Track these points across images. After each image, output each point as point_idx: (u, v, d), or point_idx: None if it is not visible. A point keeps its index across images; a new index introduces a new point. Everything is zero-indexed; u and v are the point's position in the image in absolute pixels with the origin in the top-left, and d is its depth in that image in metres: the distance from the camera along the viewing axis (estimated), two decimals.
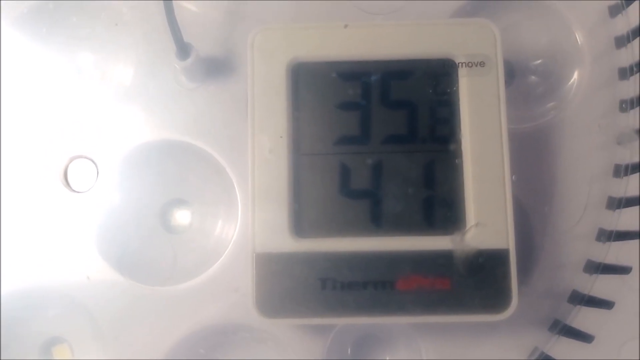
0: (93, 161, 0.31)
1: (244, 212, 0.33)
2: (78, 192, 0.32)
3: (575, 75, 0.35)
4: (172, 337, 0.33)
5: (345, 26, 0.30)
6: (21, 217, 0.34)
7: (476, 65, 0.30)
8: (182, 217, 0.35)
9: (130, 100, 0.34)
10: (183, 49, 0.32)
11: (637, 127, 0.33)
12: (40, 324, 0.34)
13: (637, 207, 0.33)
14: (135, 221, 0.35)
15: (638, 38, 0.34)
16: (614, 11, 0.35)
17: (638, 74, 0.34)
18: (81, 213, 0.34)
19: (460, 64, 0.30)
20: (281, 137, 0.30)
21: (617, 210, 0.33)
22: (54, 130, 0.34)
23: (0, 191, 0.34)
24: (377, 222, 0.30)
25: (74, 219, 0.34)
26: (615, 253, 0.33)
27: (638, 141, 0.33)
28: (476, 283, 0.29)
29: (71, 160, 0.31)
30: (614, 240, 0.33)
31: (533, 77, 0.36)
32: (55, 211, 0.34)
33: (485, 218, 0.29)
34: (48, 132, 0.34)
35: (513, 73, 0.35)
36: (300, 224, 0.30)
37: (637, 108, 0.34)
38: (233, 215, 0.34)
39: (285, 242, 0.29)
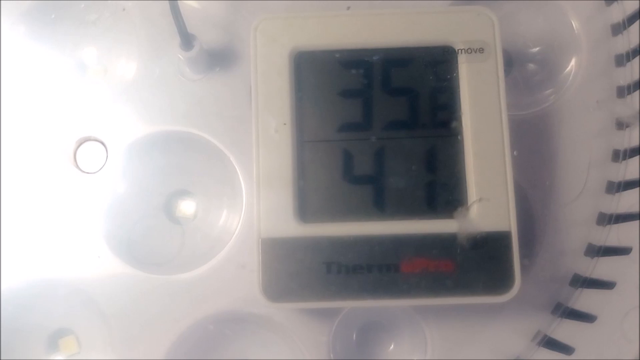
0: (103, 143, 0.32)
1: (248, 202, 0.34)
2: (87, 172, 0.32)
3: (573, 62, 0.36)
4: (178, 326, 0.33)
5: (348, 8, 0.30)
6: (30, 207, 0.34)
7: (475, 52, 0.31)
8: (186, 207, 0.36)
9: (135, 92, 0.35)
10: (187, 40, 0.33)
11: (637, 109, 0.34)
12: (46, 316, 0.35)
13: (636, 189, 0.33)
14: (140, 211, 0.35)
15: (634, 25, 0.34)
16: None
17: (634, 60, 0.34)
18: (87, 203, 0.34)
19: (459, 51, 0.31)
20: (285, 124, 0.30)
21: (617, 194, 0.34)
22: (60, 121, 0.35)
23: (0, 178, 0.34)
24: (381, 206, 0.30)
25: (80, 209, 0.34)
26: (616, 234, 0.33)
27: (638, 125, 0.34)
28: (479, 265, 0.29)
29: (80, 142, 0.31)
30: (614, 223, 0.33)
31: (531, 65, 0.36)
32: (61, 201, 0.34)
33: (487, 201, 0.30)
34: (53, 122, 0.35)
35: (511, 61, 0.36)
36: (305, 209, 0.30)
37: (635, 93, 0.34)
38: (237, 205, 0.34)
39: (290, 227, 0.30)
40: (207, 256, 0.34)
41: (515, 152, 0.30)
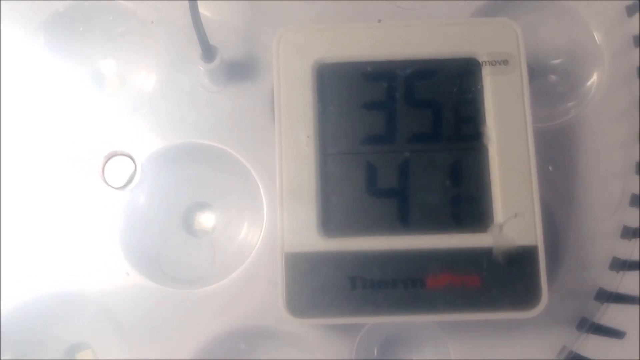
0: (132, 158, 0.31)
1: (269, 215, 0.33)
2: (114, 187, 0.32)
3: (595, 74, 0.36)
4: (196, 340, 0.33)
5: (379, 21, 0.30)
6: (52, 220, 0.34)
7: (500, 64, 0.31)
8: (206, 220, 0.35)
9: (155, 104, 0.34)
10: (208, 52, 0.33)
11: None
12: (64, 329, 0.34)
13: None
14: (160, 225, 0.35)
15: None
16: (631, 11, 0.35)
17: None
18: (108, 216, 0.34)
19: (483, 63, 0.31)
20: (308, 136, 0.30)
21: None
22: (80, 133, 0.34)
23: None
24: (405, 220, 0.30)
25: (100, 222, 0.33)
26: None
27: None
28: (506, 280, 0.29)
29: (109, 157, 0.31)
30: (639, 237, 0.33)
31: (553, 77, 0.36)
32: (83, 215, 0.34)
33: (516, 215, 0.29)
34: (75, 134, 0.34)
35: (533, 73, 0.35)
36: (328, 224, 0.30)
37: None
38: (258, 218, 0.34)
39: (314, 242, 0.29)
40: (227, 270, 0.33)
41: (550, 167, 0.30)
